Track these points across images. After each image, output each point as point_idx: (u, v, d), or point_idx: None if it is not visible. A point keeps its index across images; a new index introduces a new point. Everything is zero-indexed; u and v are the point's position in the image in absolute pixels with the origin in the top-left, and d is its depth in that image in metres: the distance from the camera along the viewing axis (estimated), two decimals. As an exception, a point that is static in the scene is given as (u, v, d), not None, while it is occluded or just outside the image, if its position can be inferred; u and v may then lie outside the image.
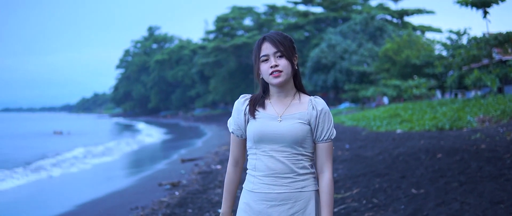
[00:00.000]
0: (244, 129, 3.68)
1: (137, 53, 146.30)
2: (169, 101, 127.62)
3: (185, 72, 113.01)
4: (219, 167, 17.34)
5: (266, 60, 3.54)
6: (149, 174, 18.53)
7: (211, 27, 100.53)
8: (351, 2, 79.03)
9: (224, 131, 46.76)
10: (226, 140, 31.74)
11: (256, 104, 3.67)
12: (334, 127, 3.63)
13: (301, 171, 3.54)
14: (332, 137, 3.63)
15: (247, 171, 3.68)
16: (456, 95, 41.13)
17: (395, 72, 48.18)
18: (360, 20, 65.00)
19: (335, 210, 8.66)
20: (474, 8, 24.80)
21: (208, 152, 24.74)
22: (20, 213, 13.07)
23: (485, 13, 24.76)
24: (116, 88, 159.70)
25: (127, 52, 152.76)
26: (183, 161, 21.30)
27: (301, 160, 3.55)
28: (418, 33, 68.62)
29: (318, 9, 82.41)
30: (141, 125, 79.32)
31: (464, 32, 38.48)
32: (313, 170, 3.62)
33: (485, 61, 30.90)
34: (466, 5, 24.88)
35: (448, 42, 40.18)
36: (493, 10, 30.69)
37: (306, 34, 78.18)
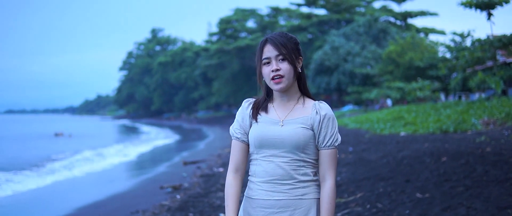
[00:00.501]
0: (248, 134, 3.55)
1: (140, 55, 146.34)
2: (172, 103, 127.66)
3: (188, 74, 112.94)
4: (221, 169, 17.22)
5: (268, 63, 3.41)
6: (151, 177, 18.41)
7: (214, 29, 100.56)
8: (355, 4, 78.93)
9: (227, 133, 46.61)
10: (228, 143, 31.56)
11: (259, 107, 3.55)
12: (338, 131, 3.49)
13: (302, 178, 3.40)
14: (336, 144, 3.47)
15: (248, 177, 3.56)
16: (460, 97, 40.99)
17: (398, 74, 48.05)
18: (363, 22, 64.95)
19: (339, 215, 8.52)
20: (478, 10, 24.66)
21: (210, 155, 24.64)
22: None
23: (489, 15, 24.62)
24: (119, 90, 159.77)
25: (130, 54, 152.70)
26: (185, 163, 21.18)
27: (303, 166, 3.41)
28: (422, 35, 68.46)
29: (321, 11, 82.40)
30: (146, 128, 79.23)
31: (468, 34, 38.25)
32: (316, 178, 3.47)
33: (489, 63, 30.76)
34: (470, 7, 24.74)
35: (452, 44, 39.95)
36: (497, 12, 30.65)
37: (309, 36, 78.08)
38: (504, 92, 31.69)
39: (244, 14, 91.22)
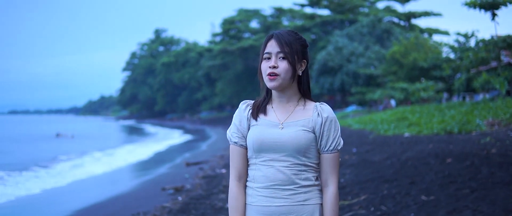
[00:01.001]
0: (247, 137, 3.40)
1: (143, 55, 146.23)
2: (176, 103, 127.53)
3: (191, 74, 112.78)
4: (224, 171, 17.14)
5: (268, 58, 3.28)
6: (153, 178, 18.34)
7: (218, 29, 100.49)
8: (358, 5, 78.78)
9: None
10: (231, 143, 31.48)
11: (259, 109, 3.40)
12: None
13: (304, 183, 3.26)
14: (339, 148, 3.34)
15: (247, 183, 3.40)
16: (464, 98, 40.84)
17: (402, 75, 47.92)
18: (367, 22, 64.82)
19: (342, 217, 8.41)
20: (482, 10, 24.52)
21: (213, 155, 24.56)
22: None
23: (494, 15, 24.47)
24: (122, 90, 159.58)
25: (133, 55, 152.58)
26: (188, 164, 21.09)
27: (304, 171, 3.27)
28: (426, 35, 68.31)
29: (324, 12, 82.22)
30: (152, 129, 79.28)
31: (472, 35, 38.13)
32: (317, 183, 3.33)
33: (494, 64, 30.61)
34: (474, 7, 24.60)
35: (456, 45, 39.87)
36: (501, 12, 30.51)
37: (313, 36, 77.92)
38: (508, 93, 31.50)
39: (247, 14, 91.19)
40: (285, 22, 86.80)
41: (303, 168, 3.26)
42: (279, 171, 3.24)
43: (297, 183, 3.24)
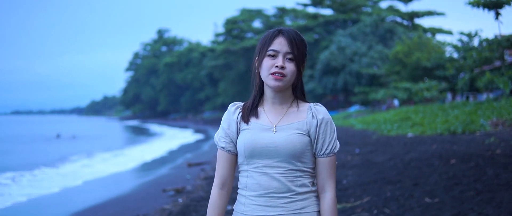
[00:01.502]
0: (236, 142, 3.18)
1: (146, 55, 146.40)
2: (179, 103, 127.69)
3: (194, 74, 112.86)
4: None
5: (274, 56, 3.06)
6: (154, 179, 18.18)
7: (221, 29, 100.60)
8: (361, 4, 78.70)
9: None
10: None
11: (250, 111, 3.19)
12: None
13: (300, 190, 3.05)
14: (335, 151, 3.14)
15: (237, 190, 3.19)
16: (467, 97, 40.69)
17: (405, 75, 47.85)
18: (370, 22, 64.76)
19: (345, 220, 8.25)
20: (486, 10, 24.36)
21: (215, 156, 24.38)
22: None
23: (497, 14, 24.30)
24: (125, 90, 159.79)
25: (136, 55, 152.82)
26: (189, 165, 20.93)
27: (300, 177, 3.07)
28: (429, 35, 68.15)
29: (327, 11, 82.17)
30: (158, 128, 79.35)
31: (476, 34, 37.97)
32: (314, 188, 3.13)
33: (497, 63, 30.49)
34: (478, 6, 24.44)
35: (459, 44, 39.70)
36: (505, 11, 30.33)
37: (316, 36, 77.86)
38: (512, 93, 31.39)
39: (250, 14, 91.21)
40: (288, 21, 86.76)
41: (299, 174, 3.07)
42: (273, 178, 3.03)
43: (293, 190, 3.04)
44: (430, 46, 49.26)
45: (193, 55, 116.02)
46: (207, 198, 11.72)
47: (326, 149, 3.10)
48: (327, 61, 61.78)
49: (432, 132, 20.38)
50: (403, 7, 74.87)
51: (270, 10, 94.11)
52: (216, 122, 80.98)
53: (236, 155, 3.20)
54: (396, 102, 48.86)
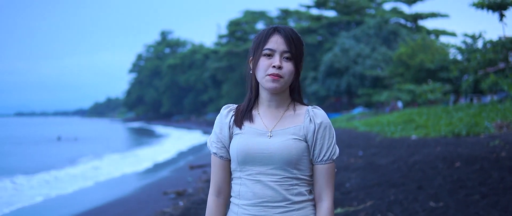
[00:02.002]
0: (229, 147, 3.00)
1: (149, 57, 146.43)
2: (182, 105, 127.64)
3: (197, 76, 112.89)
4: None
5: (270, 56, 2.89)
6: (155, 181, 18.12)
7: (224, 31, 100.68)
8: (365, 6, 78.56)
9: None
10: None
11: (244, 114, 3.00)
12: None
13: (296, 199, 2.87)
14: (334, 157, 2.96)
15: (230, 199, 3.03)
16: (471, 99, 40.57)
17: (409, 77, 47.70)
18: (373, 24, 64.64)
19: (347, 224, 8.12)
20: (490, 11, 24.22)
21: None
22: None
23: (502, 16, 24.16)
24: (128, 92, 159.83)
25: (139, 57, 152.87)
26: (191, 167, 20.82)
27: (296, 185, 2.89)
28: (433, 37, 67.99)
29: (331, 13, 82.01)
30: (163, 130, 79.40)
31: (480, 36, 37.83)
32: (311, 197, 2.95)
33: (502, 65, 30.33)
34: (482, 7, 24.29)
35: (463, 46, 39.58)
36: (509, 12, 30.18)
37: (319, 38, 77.73)
38: (516, 94, 31.25)
39: (253, 16, 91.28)
40: (291, 23, 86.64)
41: (295, 182, 2.88)
42: (268, 187, 2.86)
43: (288, 199, 2.86)
44: (434, 48, 49.12)
45: (196, 57, 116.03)
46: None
47: (324, 156, 2.92)
48: (330, 63, 61.68)
49: (436, 134, 20.23)
50: (406, 9, 74.48)
51: (273, 12, 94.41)
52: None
53: (229, 161, 3.02)
54: (399, 104, 48.73)
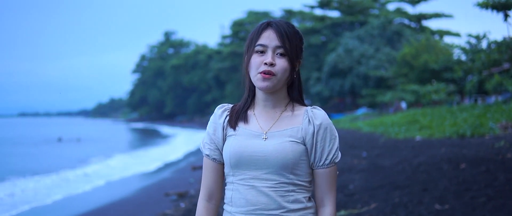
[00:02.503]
0: (222, 150, 2.82)
1: (153, 58, 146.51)
2: (185, 106, 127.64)
3: (201, 77, 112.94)
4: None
5: (262, 52, 2.69)
6: (157, 182, 18.00)
7: (227, 31, 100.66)
8: (369, 6, 78.45)
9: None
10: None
11: (239, 115, 2.83)
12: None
13: (293, 207, 2.67)
14: (336, 161, 2.76)
15: (223, 206, 2.84)
16: (476, 100, 40.44)
17: (413, 77, 47.59)
18: (377, 24, 64.55)
19: (351, 228, 7.97)
20: (495, 11, 24.05)
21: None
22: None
23: (506, 16, 23.98)
24: (132, 93, 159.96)
25: (143, 57, 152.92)
26: (194, 168, 20.69)
27: (293, 191, 2.68)
28: (437, 37, 67.84)
29: (334, 13, 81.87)
30: (169, 130, 79.43)
31: (484, 36, 37.68)
32: (309, 205, 2.75)
33: (506, 66, 30.19)
34: (487, 8, 24.11)
35: (467, 46, 39.44)
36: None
37: (323, 38, 77.62)
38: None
39: (257, 16, 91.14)
40: (295, 24, 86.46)
41: (292, 188, 2.68)
42: (262, 193, 2.66)
43: (284, 207, 2.66)
44: (438, 48, 49.01)
45: (200, 57, 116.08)
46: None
47: (326, 160, 2.73)
48: (334, 63, 61.61)
49: (441, 135, 20.09)
50: (410, 9, 74.28)
51: (277, 12, 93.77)
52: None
53: (223, 164, 2.85)
54: (403, 104, 48.61)
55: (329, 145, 2.73)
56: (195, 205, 10.56)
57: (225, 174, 2.83)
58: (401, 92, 47.37)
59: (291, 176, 2.68)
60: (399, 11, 74.70)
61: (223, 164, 2.84)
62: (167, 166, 24.62)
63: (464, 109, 28.17)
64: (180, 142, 44.61)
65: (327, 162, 2.73)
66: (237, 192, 2.72)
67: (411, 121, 28.14)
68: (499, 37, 42.44)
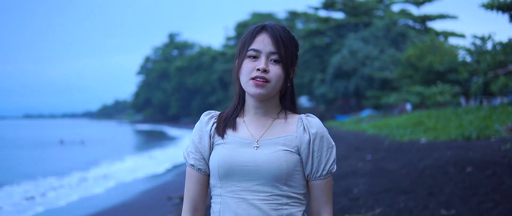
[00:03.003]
0: (209, 160, 2.63)
1: (157, 59, 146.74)
2: (190, 107, 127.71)
3: (205, 78, 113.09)
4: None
5: (255, 57, 2.53)
6: (160, 185, 17.87)
7: (232, 33, 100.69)
8: (373, 8, 78.29)
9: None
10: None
11: (227, 122, 2.66)
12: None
13: None
14: (333, 171, 2.61)
15: None
16: (481, 102, 40.31)
17: (418, 79, 47.44)
18: (382, 25, 64.44)
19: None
20: (500, 12, 23.91)
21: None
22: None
23: (511, 17, 23.86)
24: (136, 94, 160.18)
25: (147, 59, 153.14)
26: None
27: (286, 205, 2.51)
28: (441, 38, 67.68)
29: (339, 15, 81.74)
30: (176, 132, 79.42)
31: (489, 37, 37.54)
32: None
33: (511, 67, 30.06)
34: (492, 8, 23.97)
35: (472, 48, 39.32)
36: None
37: (327, 40, 77.49)
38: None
39: (261, 18, 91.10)
40: (299, 25, 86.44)
41: (285, 200, 2.51)
42: (253, 206, 2.47)
43: None
44: (443, 50, 48.85)
45: (204, 59, 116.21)
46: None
47: (324, 170, 2.58)
48: (338, 65, 61.56)
49: (446, 137, 19.95)
50: (415, 11, 74.14)
51: (281, 14, 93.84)
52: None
53: (208, 175, 2.66)
54: (408, 106, 48.50)
55: (326, 155, 2.58)
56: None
57: (211, 185, 2.64)
58: (406, 94, 47.27)
59: (285, 188, 2.51)
60: (403, 13, 74.57)
61: (208, 176, 2.67)
62: (176, 167, 24.51)
63: (469, 111, 28.03)
64: (187, 143, 44.57)
65: (324, 173, 2.58)
66: (226, 205, 2.54)
67: (416, 123, 28.01)
68: (504, 38, 42.19)
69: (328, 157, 2.58)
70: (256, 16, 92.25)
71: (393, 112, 50.97)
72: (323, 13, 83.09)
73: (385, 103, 53.29)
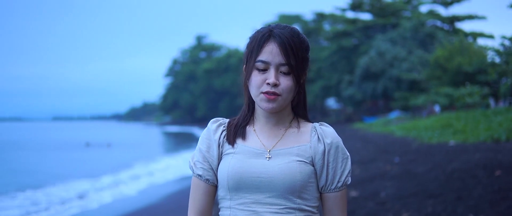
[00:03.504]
0: (217, 170, 2.51)
1: (185, 62, 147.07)
2: (217, 109, 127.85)
3: (232, 80, 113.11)
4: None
5: (264, 70, 2.40)
6: (186, 189, 17.77)
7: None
8: (401, 9, 77.86)
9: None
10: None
11: (237, 130, 2.54)
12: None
13: None
14: (348, 183, 2.50)
15: None
16: (510, 103, 39.91)
17: (446, 80, 47.07)
18: (410, 26, 64.08)
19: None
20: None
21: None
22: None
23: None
24: (164, 97, 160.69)
25: (175, 61, 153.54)
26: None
27: None
28: (470, 39, 67.17)
29: (366, 16, 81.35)
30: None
31: (518, 38, 37.24)
32: None
33: (541, 68, 29.79)
34: (521, 9, 23.76)
35: (501, 49, 38.99)
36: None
37: (355, 41, 77.17)
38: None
39: (288, 20, 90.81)
40: (327, 26, 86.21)
41: (299, 214, 2.40)
42: None
43: None
44: (472, 51, 48.43)
45: (232, 61, 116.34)
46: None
47: (339, 182, 2.48)
48: (366, 67, 61.37)
49: (475, 139, 19.72)
50: (443, 11, 73.58)
51: (308, 15, 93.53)
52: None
53: (215, 186, 2.54)
54: (437, 108, 48.16)
55: (341, 166, 2.49)
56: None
57: (220, 197, 2.52)
58: (434, 95, 46.94)
59: (298, 201, 2.41)
60: (431, 13, 74.08)
61: (215, 187, 2.54)
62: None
63: (499, 113, 27.74)
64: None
65: (339, 184, 2.48)
66: None
67: (444, 125, 27.76)
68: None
69: (343, 168, 2.49)
70: (283, 18, 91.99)
71: (421, 114, 50.64)
72: (350, 14, 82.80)
73: (413, 104, 52.93)
